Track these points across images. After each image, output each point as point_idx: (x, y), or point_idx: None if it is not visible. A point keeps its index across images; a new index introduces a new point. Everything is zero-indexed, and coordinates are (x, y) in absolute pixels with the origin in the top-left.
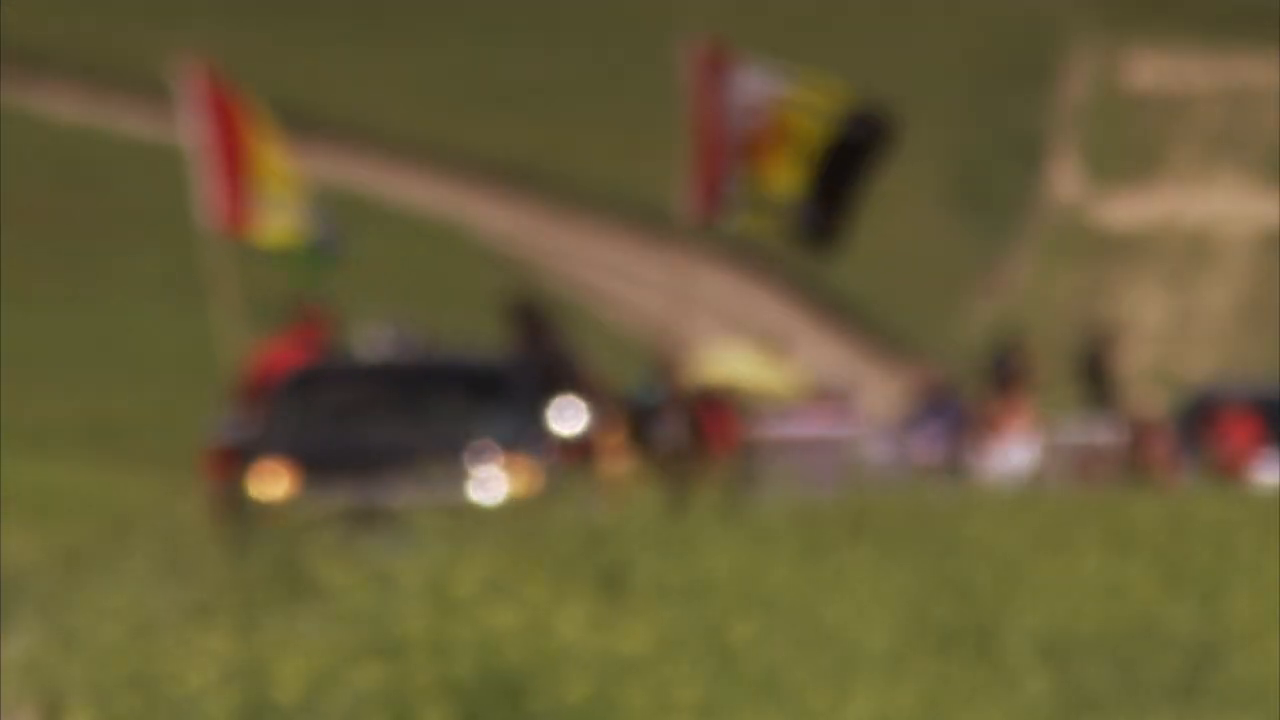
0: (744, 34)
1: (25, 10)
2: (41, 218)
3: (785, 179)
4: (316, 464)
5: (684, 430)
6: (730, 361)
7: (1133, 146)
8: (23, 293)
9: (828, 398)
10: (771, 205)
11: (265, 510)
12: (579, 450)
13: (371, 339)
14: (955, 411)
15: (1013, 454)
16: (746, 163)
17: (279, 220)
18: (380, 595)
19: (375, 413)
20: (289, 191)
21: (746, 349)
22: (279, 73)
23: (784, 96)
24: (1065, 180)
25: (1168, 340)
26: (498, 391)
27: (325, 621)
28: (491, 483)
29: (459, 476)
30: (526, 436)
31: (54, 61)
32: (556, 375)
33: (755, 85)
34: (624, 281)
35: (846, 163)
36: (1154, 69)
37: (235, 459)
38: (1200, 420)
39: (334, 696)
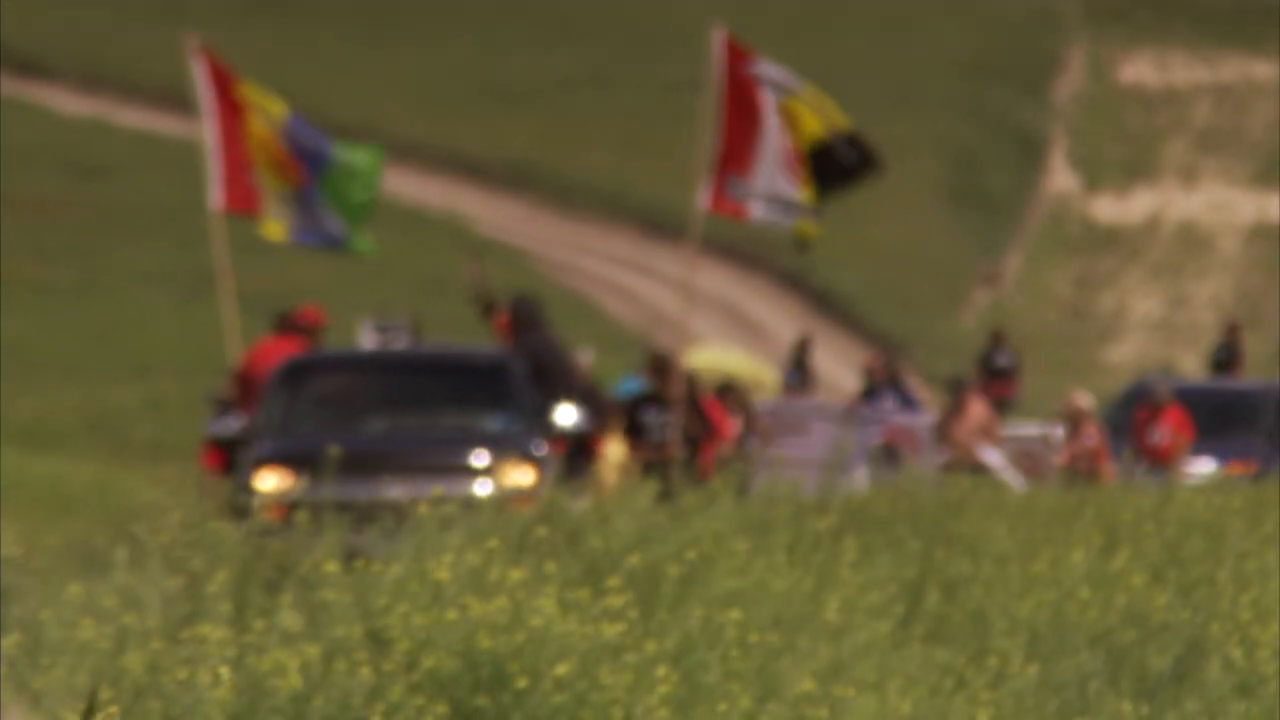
0: (744, 32)
1: (28, 6)
2: (46, 210)
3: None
4: (310, 457)
5: (681, 422)
6: (718, 356)
7: (1127, 142)
8: (25, 285)
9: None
10: (811, 211)
11: (260, 503)
12: (574, 444)
13: (365, 332)
14: (902, 392)
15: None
16: (787, 168)
17: (275, 209)
18: (372, 587)
19: (369, 405)
20: (275, 185)
21: (732, 346)
22: (279, 72)
23: (796, 92)
24: (1060, 175)
25: (1160, 332)
26: (493, 384)
27: (320, 613)
28: (487, 476)
29: (454, 470)
30: (523, 430)
31: (58, 57)
32: (545, 368)
33: (777, 78)
34: (624, 276)
35: (826, 170)
36: (1148, 66)
37: (230, 452)
38: (1133, 414)
39: (328, 686)
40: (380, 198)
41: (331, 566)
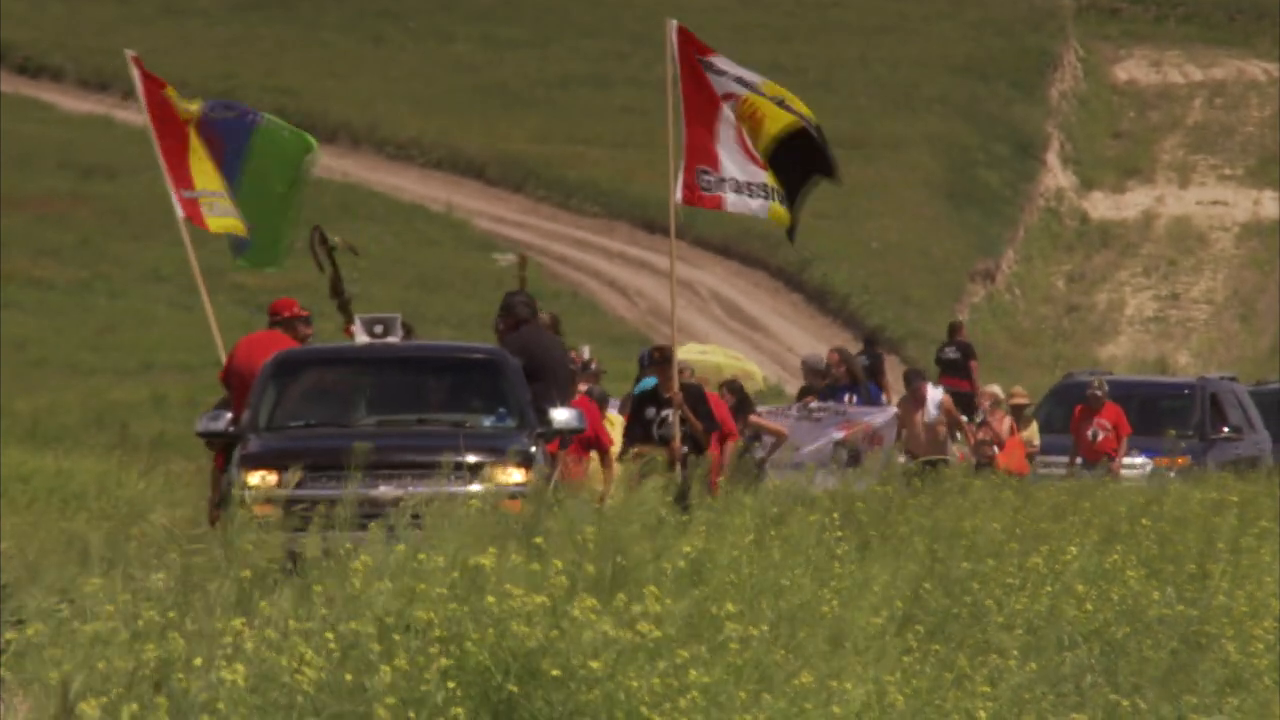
0: (744, 32)
1: (30, 7)
2: (49, 208)
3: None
4: (299, 455)
5: (680, 418)
6: (707, 353)
7: (1121, 139)
8: (28, 282)
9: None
10: (780, 194)
11: (254, 499)
12: (572, 442)
13: (357, 328)
14: (863, 390)
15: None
16: (748, 157)
17: (223, 210)
18: (399, 578)
19: (360, 401)
20: (215, 184)
21: (718, 345)
22: (279, 72)
23: (756, 85)
24: (1055, 173)
25: (1154, 328)
26: (485, 381)
27: (325, 608)
28: (479, 474)
29: (449, 467)
30: (515, 428)
31: (60, 56)
32: (537, 365)
33: (733, 72)
34: (622, 273)
35: (797, 155)
36: (1142, 64)
37: (222, 448)
38: (1070, 410)
39: (349, 682)
40: (304, 200)
41: (367, 557)
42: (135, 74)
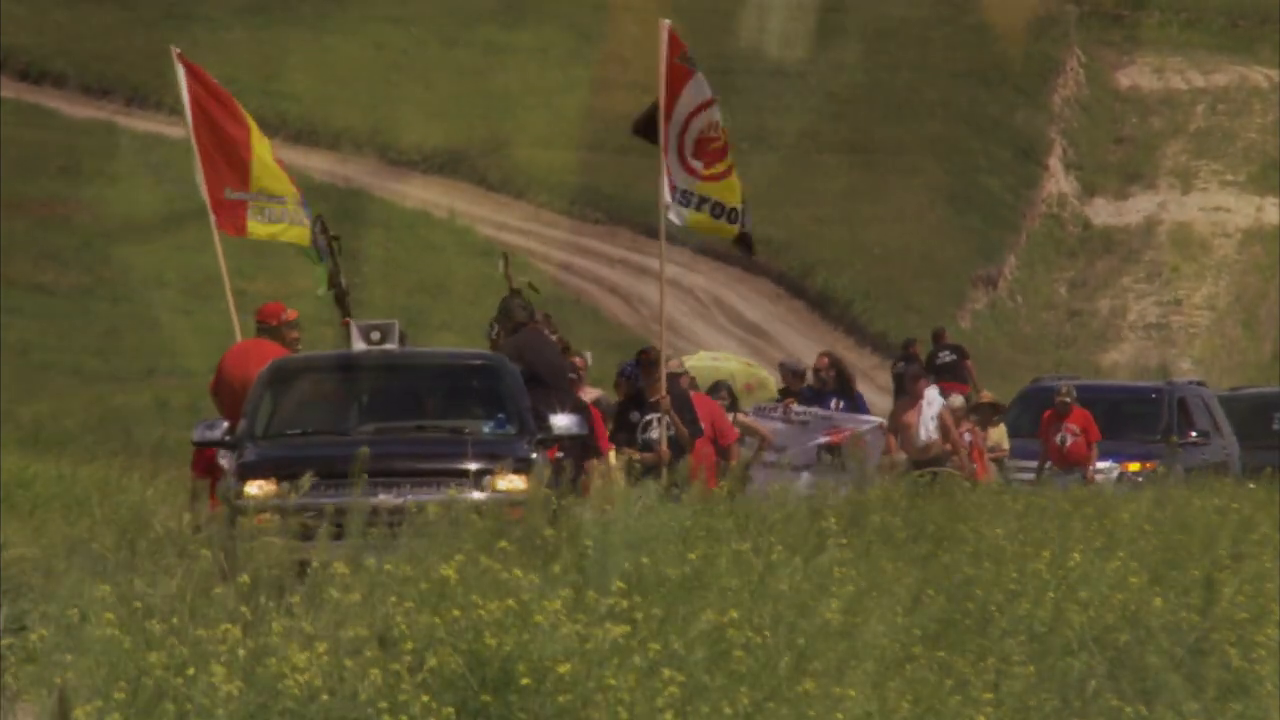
0: (745, 30)
1: (32, 11)
2: (51, 213)
3: (734, 188)
4: (296, 464)
5: (677, 424)
6: (720, 360)
7: (1123, 146)
8: (30, 288)
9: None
10: (725, 210)
11: (249, 507)
12: (571, 447)
13: (354, 334)
14: (849, 395)
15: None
16: (706, 162)
17: (275, 216)
18: (374, 590)
19: (357, 409)
20: (280, 188)
21: (729, 351)
22: (280, 73)
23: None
24: (1058, 179)
25: (1156, 335)
26: (483, 387)
27: (322, 616)
28: (478, 482)
29: (444, 476)
30: (514, 434)
31: (62, 62)
32: (534, 370)
33: (703, 85)
34: (624, 279)
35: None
36: (1145, 71)
37: (217, 455)
38: (1035, 414)
39: (339, 685)
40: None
41: (341, 567)
42: (180, 70)
